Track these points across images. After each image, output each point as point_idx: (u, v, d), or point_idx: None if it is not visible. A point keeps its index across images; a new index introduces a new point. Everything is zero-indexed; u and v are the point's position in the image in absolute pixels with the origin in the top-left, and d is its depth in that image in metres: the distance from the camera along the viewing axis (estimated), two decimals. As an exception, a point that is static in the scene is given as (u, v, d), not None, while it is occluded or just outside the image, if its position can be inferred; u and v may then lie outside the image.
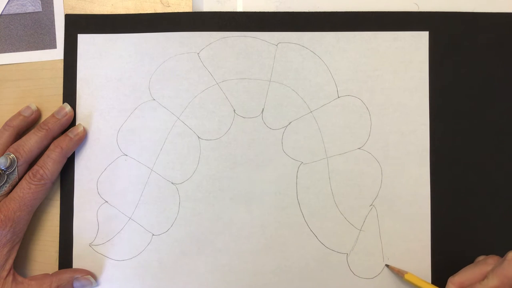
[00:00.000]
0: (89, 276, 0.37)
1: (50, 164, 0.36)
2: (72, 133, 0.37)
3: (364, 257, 0.37)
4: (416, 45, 0.38)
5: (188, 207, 0.38)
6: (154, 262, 0.37)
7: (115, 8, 0.39)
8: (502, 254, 0.37)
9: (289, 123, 0.38)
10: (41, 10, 0.40)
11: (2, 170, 0.35)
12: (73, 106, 0.38)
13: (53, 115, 0.37)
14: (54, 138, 0.37)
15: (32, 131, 0.37)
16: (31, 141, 0.36)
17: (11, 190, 0.35)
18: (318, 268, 0.37)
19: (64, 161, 0.37)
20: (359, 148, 0.38)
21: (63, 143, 0.36)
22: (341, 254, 0.37)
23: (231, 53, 0.38)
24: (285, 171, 0.38)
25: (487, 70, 0.38)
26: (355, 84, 0.38)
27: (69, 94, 0.39)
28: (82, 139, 0.38)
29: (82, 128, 0.38)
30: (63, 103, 0.38)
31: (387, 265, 0.37)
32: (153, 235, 0.38)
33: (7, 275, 0.34)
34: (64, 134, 0.37)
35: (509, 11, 0.38)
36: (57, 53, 0.39)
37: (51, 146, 0.36)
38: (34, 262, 0.38)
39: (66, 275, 0.36)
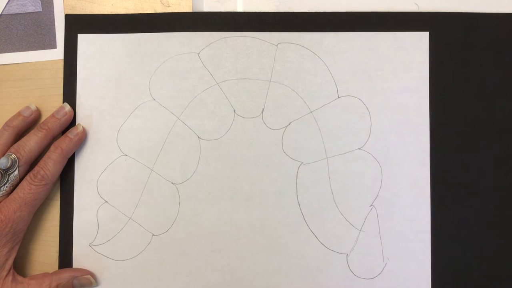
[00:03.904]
0: (89, 275, 0.37)
1: (51, 165, 0.36)
2: (72, 133, 0.37)
3: (364, 257, 0.37)
4: (416, 45, 0.38)
5: (188, 207, 0.38)
6: (154, 262, 0.38)
7: (115, 8, 0.39)
8: (501, 254, 0.37)
9: (289, 123, 0.38)
10: (41, 10, 0.40)
11: (3, 170, 0.35)
12: (73, 106, 0.38)
13: (52, 115, 0.37)
14: (55, 138, 0.37)
15: (32, 131, 0.37)
16: (31, 141, 0.36)
17: (12, 190, 0.35)
18: (318, 268, 0.37)
19: (65, 161, 0.37)
20: (359, 148, 0.38)
21: (63, 144, 0.36)
22: (341, 255, 0.37)
23: (231, 53, 0.38)
24: (285, 171, 0.38)
25: (487, 70, 0.38)
26: (355, 84, 0.38)
27: (69, 94, 0.39)
28: (82, 139, 0.38)
29: (81, 128, 0.38)
30: (63, 103, 0.38)
31: None
32: (153, 235, 0.38)
33: (7, 275, 0.34)
34: (64, 135, 0.37)
35: (509, 11, 0.38)
36: (57, 53, 0.39)
37: (52, 147, 0.36)
38: (34, 262, 0.38)
39: (66, 274, 0.36)
